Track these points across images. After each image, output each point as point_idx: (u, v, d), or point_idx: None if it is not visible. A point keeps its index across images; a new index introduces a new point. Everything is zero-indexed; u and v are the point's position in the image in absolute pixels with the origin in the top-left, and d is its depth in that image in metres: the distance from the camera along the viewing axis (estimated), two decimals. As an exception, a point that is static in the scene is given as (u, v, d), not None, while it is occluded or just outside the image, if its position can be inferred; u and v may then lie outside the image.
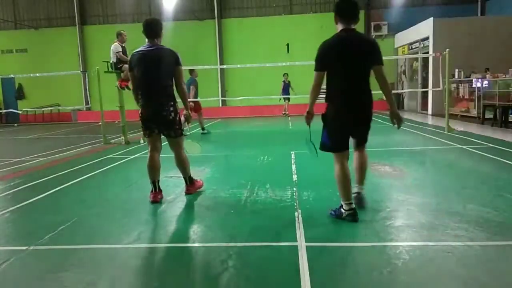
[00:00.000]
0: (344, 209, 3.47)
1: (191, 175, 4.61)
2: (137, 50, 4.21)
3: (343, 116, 3.45)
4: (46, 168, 6.70)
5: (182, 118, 4.39)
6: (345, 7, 3.45)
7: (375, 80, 3.49)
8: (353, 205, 3.48)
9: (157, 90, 4.14)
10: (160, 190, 4.38)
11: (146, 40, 4.22)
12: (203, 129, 11.24)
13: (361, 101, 3.47)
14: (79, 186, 5.28)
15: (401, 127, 3.65)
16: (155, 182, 4.32)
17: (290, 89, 15.79)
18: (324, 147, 3.55)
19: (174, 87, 4.28)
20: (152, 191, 4.32)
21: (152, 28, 4.20)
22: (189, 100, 5.24)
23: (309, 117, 3.57)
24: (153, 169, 4.31)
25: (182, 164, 4.47)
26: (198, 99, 11.12)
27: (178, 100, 4.32)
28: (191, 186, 4.62)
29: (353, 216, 3.44)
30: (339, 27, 3.47)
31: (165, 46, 4.25)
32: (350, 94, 3.42)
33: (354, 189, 3.69)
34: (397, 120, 3.53)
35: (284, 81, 15.81)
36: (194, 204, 4.32)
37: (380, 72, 3.44)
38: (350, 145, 3.59)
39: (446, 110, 9.64)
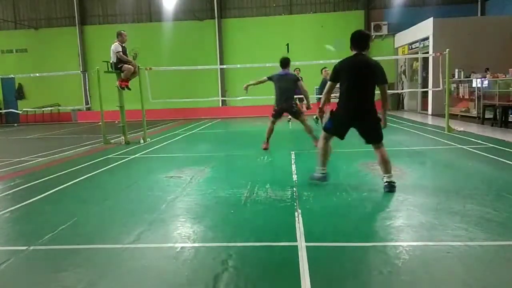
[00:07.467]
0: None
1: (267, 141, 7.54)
2: (276, 73, 7.35)
3: (345, 116, 4.40)
4: (46, 168, 6.70)
5: (304, 108, 8.24)
6: (359, 39, 4.34)
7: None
8: (325, 171, 4.56)
9: (288, 95, 7.31)
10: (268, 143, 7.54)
11: (281, 68, 7.37)
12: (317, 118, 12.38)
13: (363, 108, 4.31)
14: (79, 186, 5.28)
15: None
16: (268, 138, 7.55)
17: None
18: (326, 128, 4.55)
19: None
20: (265, 142, 7.55)
21: (287, 62, 7.33)
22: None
23: (321, 113, 4.89)
24: (270, 131, 7.54)
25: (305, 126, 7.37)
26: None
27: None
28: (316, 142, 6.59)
29: (324, 178, 4.55)
30: (353, 51, 4.37)
31: (290, 71, 7.52)
32: (354, 102, 4.31)
33: (385, 178, 4.37)
34: (384, 123, 4.44)
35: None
36: (194, 204, 4.32)
37: (384, 89, 4.34)
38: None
39: (446, 110, 9.64)
